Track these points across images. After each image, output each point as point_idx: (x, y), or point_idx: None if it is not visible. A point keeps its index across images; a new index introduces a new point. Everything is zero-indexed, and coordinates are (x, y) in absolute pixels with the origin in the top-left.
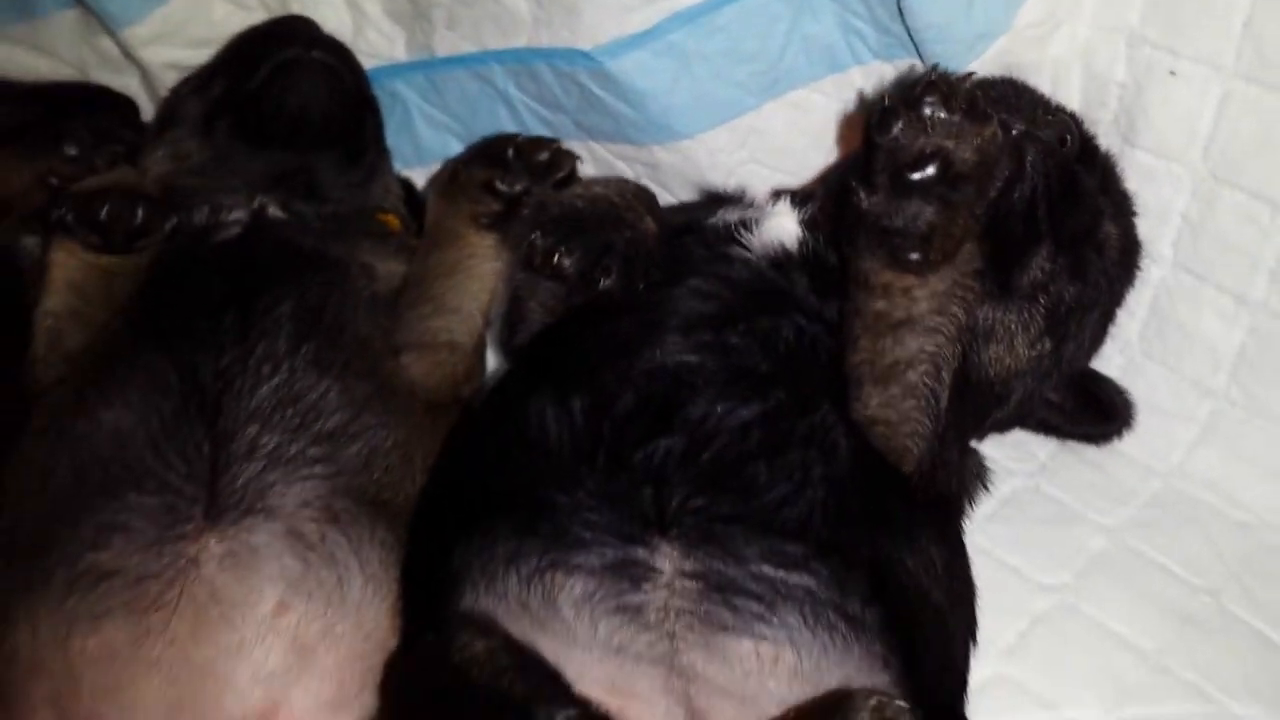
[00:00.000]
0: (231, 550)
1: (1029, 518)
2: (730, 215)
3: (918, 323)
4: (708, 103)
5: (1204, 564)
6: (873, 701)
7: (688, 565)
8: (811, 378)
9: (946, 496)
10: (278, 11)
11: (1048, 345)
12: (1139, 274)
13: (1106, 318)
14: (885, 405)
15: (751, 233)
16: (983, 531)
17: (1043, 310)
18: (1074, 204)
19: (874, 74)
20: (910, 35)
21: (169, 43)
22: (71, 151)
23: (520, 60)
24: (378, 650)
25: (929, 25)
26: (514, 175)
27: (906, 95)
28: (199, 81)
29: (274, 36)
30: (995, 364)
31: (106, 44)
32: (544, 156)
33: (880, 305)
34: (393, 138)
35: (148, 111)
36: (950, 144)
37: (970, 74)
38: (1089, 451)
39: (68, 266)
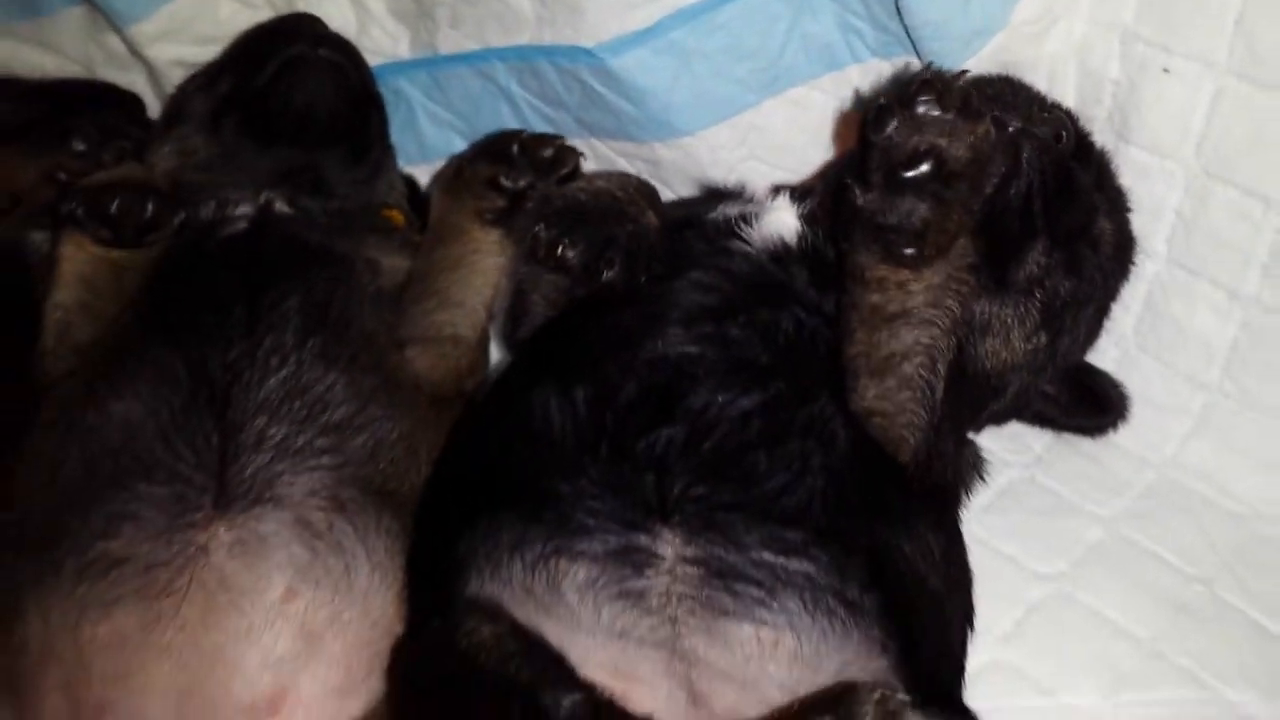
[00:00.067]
0: (240, 538)
1: (1025, 508)
2: (730, 210)
3: (913, 316)
4: (708, 100)
5: (1197, 553)
6: (876, 695)
7: (689, 551)
8: (810, 369)
9: (943, 486)
10: (284, 9)
11: (1043, 339)
12: (1133, 269)
13: (1101, 312)
14: (882, 397)
15: (751, 227)
16: (980, 522)
17: (1038, 305)
18: (1069, 200)
19: (872, 71)
20: (908, 33)
21: (175, 40)
22: (80, 147)
23: (523, 58)
24: (384, 637)
25: (926, 23)
26: (518, 171)
27: (901, 94)
28: (205, 79)
29: (280, 34)
30: (991, 357)
31: (113, 41)
32: (548, 153)
33: (876, 299)
34: (397, 135)
35: (154, 109)
36: (944, 142)
37: (964, 72)
38: (1084, 443)
39: (77, 260)
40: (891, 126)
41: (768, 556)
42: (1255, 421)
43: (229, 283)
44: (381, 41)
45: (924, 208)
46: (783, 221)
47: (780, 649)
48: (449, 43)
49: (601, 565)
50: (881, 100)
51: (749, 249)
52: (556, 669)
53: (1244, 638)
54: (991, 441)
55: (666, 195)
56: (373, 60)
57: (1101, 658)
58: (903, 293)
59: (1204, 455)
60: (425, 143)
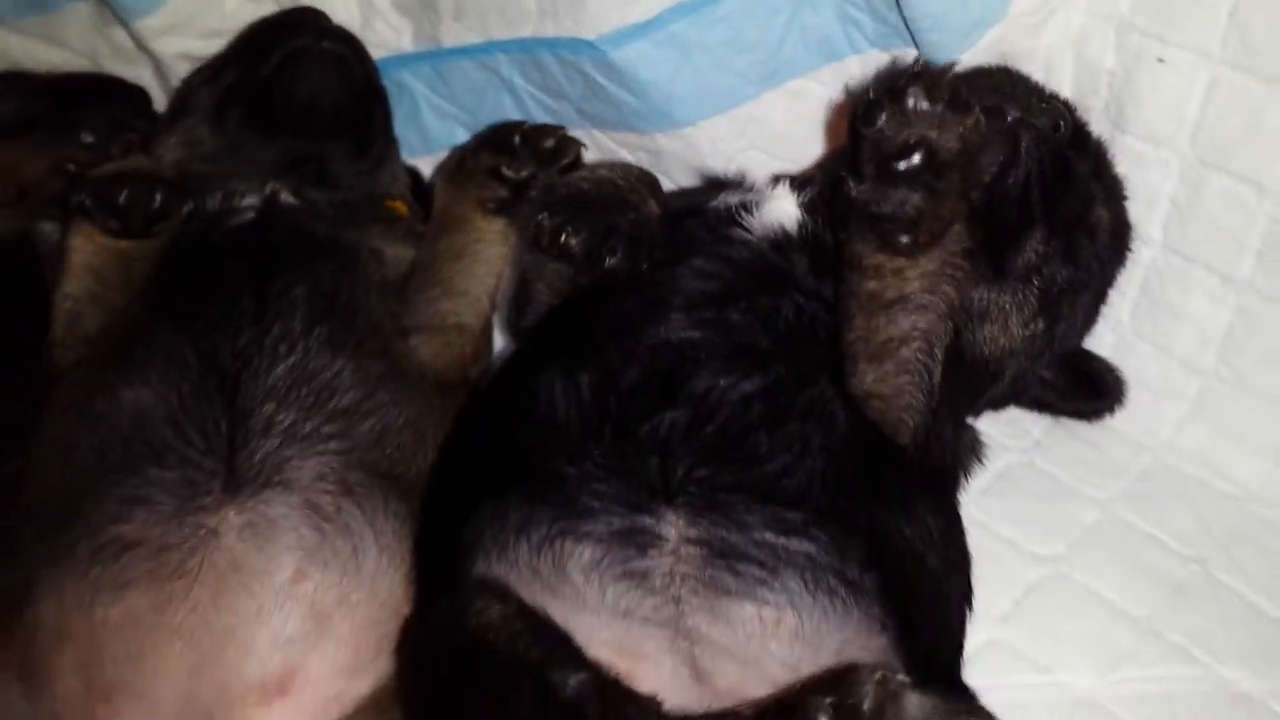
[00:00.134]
0: (250, 521)
1: (1023, 492)
2: (731, 199)
3: (909, 301)
4: (708, 92)
5: (1193, 535)
6: (877, 675)
7: (692, 532)
8: (810, 354)
9: (942, 469)
10: (288, 3)
11: (1041, 325)
12: (1130, 256)
13: (1098, 299)
14: (880, 380)
15: (752, 215)
16: (979, 505)
17: (1036, 292)
18: (1067, 189)
19: (871, 63)
20: (906, 25)
21: (181, 34)
22: (88, 140)
23: (525, 50)
24: (392, 617)
25: (925, 15)
26: (520, 161)
27: (890, 88)
28: (211, 72)
29: (284, 27)
30: (990, 343)
31: (119, 35)
32: (549, 143)
33: (873, 285)
34: (400, 127)
35: (160, 102)
36: (933, 134)
37: (952, 65)
38: (1081, 428)
39: (86, 251)
40: (881, 119)
41: (769, 537)
42: (1250, 406)
43: (237, 272)
44: (385, 34)
45: (917, 197)
46: (783, 210)
47: (782, 627)
48: (452, 35)
49: (606, 546)
50: (871, 94)
51: (749, 237)
52: (563, 648)
53: (1238, 617)
54: (990, 426)
55: (668, 185)
56: (376, 53)
57: (1098, 637)
58: (899, 279)
59: (1199, 439)
60: (428, 134)
